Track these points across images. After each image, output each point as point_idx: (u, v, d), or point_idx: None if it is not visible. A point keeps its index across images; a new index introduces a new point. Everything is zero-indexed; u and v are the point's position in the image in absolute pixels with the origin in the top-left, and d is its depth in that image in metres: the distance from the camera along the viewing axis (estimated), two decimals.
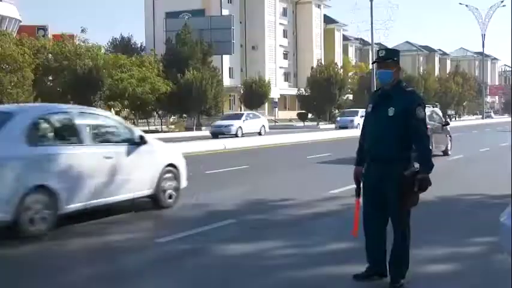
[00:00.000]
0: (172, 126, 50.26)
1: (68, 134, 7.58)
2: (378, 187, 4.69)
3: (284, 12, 79.85)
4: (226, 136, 32.40)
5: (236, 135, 33.14)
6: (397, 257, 4.79)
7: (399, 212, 4.67)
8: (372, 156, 4.74)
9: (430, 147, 4.63)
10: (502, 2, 76.76)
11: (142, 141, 8.37)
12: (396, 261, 4.80)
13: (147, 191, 8.47)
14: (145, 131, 43.06)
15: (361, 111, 35.93)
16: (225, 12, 66.77)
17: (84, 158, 7.44)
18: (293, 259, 5.86)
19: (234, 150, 21.87)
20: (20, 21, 53.83)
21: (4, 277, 5.41)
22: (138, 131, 8.71)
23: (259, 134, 35.07)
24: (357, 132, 25.09)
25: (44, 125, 7.35)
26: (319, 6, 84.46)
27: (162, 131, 44.72)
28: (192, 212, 8.54)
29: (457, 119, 77.01)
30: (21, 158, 6.73)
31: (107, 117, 8.68)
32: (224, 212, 8.36)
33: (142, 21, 73.85)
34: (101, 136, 8.13)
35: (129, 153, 8.13)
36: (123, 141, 8.22)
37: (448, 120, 23.07)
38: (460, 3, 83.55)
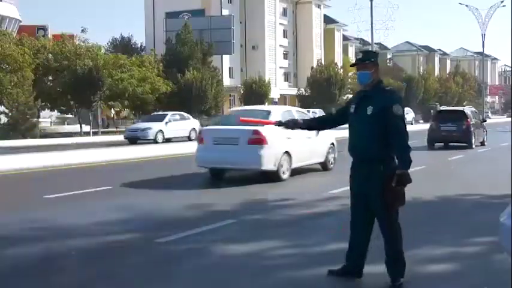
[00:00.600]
0: None
1: None
2: (363, 188, 4.76)
3: (284, 12, 79.82)
4: (144, 142, 27.76)
5: (155, 141, 28.13)
6: (392, 257, 4.86)
7: (385, 212, 4.74)
8: (355, 156, 4.81)
9: (409, 143, 4.69)
10: (502, 2, 76.75)
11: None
12: (392, 262, 4.86)
13: (321, 159, 13.58)
14: None
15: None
16: (225, 12, 66.75)
17: (300, 137, 12.13)
18: (293, 259, 5.86)
19: None
20: (20, 21, 53.85)
21: (5, 277, 5.41)
22: None
23: (189, 139, 29.46)
24: None
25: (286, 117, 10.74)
26: (319, 6, 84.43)
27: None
28: (192, 212, 8.54)
29: None
30: (276, 138, 11.64)
31: (303, 113, 13.95)
32: (224, 212, 8.37)
33: (143, 21, 73.85)
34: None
35: (315, 135, 12.82)
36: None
37: (485, 118, 29.37)
38: (460, 3, 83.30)
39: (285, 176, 11.87)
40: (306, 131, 10.12)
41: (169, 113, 31.83)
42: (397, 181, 4.57)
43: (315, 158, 13.29)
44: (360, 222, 4.95)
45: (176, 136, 29.52)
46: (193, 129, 30.98)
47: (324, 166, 13.58)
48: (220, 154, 11.68)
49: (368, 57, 4.88)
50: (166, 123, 29.75)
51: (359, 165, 4.77)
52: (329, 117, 5.50)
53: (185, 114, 33.29)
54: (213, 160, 11.94)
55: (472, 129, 21.49)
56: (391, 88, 4.98)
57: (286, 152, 11.85)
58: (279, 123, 5.42)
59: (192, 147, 19.40)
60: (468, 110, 24.49)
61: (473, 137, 21.45)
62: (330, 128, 5.50)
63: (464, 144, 21.34)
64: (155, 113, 35.13)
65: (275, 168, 11.62)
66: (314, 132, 12.22)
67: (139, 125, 31.21)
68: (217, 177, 12.40)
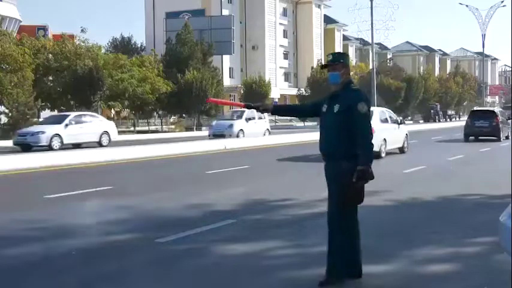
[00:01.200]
0: (173, 126, 50.26)
1: (386, 118, 18.43)
2: (329, 184, 4.93)
3: (284, 12, 79.84)
4: (38, 149, 22.60)
5: (50, 148, 23.05)
6: (340, 253, 4.83)
7: (343, 208, 4.78)
8: (324, 154, 4.95)
9: (372, 142, 4.87)
10: (502, 2, 76.77)
11: (401, 122, 19.39)
12: (340, 260, 4.84)
13: (400, 145, 19.18)
14: (146, 131, 43.13)
15: None
16: (225, 12, 66.77)
17: (390, 128, 18.13)
18: (293, 259, 5.86)
19: (235, 151, 21.88)
20: (20, 21, 53.84)
21: (5, 277, 5.41)
22: (399, 118, 20.12)
23: (100, 144, 24.91)
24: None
25: (382, 115, 18.24)
26: (319, 6, 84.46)
27: (162, 131, 44.74)
28: (192, 212, 8.54)
29: (457, 119, 76.95)
30: (379, 128, 15.87)
31: (391, 113, 19.54)
32: (224, 212, 8.36)
33: (143, 21, 73.90)
34: (391, 119, 18.76)
35: (398, 127, 18.86)
36: (396, 122, 18.95)
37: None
38: (460, 3, 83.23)
39: (383, 154, 17.28)
40: (392, 124, 18.57)
41: (73, 114, 26.74)
42: (358, 177, 4.66)
43: (398, 143, 19.05)
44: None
45: (80, 142, 24.43)
46: (106, 132, 25.64)
47: (401, 150, 19.31)
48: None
49: (338, 59, 5.01)
50: (66, 125, 24.34)
51: (327, 163, 4.92)
52: (300, 107, 6.18)
53: (96, 114, 28.76)
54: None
55: (500, 125, 26.31)
56: (358, 87, 5.15)
57: (384, 139, 17.22)
58: (248, 106, 5.57)
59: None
60: (497, 109, 30.08)
61: (501, 132, 26.28)
62: (296, 116, 5.80)
63: (494, 137, 25.94)
64: (58, 113, 30.61)
65: (378, 150, 16.43)
66: (397, 125, 18.92)
67: (31, 128, 25.54)
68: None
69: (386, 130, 17.41)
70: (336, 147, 4.79)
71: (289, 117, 67.64)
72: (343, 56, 5.11)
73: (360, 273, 4.97)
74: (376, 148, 14.73)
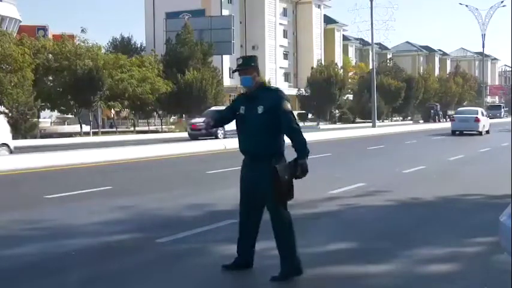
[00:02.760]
0: (173, 127, 50.25)
1: (483, 113, 34.31)
2: (254, 186, 4.97)
3: (284, 12, 79.85)
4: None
5: None
6: (284, 254, 5.06)
7: (276, 206, 5.01)
8: (249, 154, 5.03)
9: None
10: (502, 2, 76.80)
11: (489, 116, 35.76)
12: (284, 256, 5.06)
13: (487, 129, 32.98)
14: (145, 131, 43.15)
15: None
16: (225, 12, 66.78)
17: (484, 119, 33.65)
18: None
19: (235, 151, 21.87)
20: (20, 21, 53.83)
21: (5, 277, 5.41)
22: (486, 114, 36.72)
23: None
24: (354, 133, 25.08)
25: (481, 112, 33.95)
26: (319, 7, 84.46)
27: (162, 131, 44.74)
28: (192, 212, 8.54)
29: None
30: (482, 119, 32.84)
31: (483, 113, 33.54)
32: (224, 212, 8.36)
33: (143, 21, 73.90)
34: (483, 114, 33.82)
35: (487, 119, 34.45)
36: (486, 116, 33.72)
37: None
38: (460, 4, 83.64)
39: (483, 133, 30.09)
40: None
41: None
42: (302, 170, 4.94)
43: (486, 128, 32.23)
44: (250, 221, 5.19)
45: None
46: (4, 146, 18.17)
47: (487, 132, 32.52)
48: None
49: (249, 63, 5.13)
50: None
51: (251, 164, 5.00)
52: (224, 116, 5.50)
53: None
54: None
55: (480, 122, 32.28)
56: (276, 87, 5.32)
57: (483, 125, 31.12)
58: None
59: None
60: (479, 109, 35.51)
61: (481, 128, 32.32)
62: (222, 125, 5.70)
63: (476, 132, 31.83)
64: None
65: (481, 130, 30.77)
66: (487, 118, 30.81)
67: None
68: None
69: (484, 120, 32.42)
70: (265, 147, 4.90)
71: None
72: (253, 59, 5.21)
73: (302, 270, 5.11)
74: (480, 129, 31.49)
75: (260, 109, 4.89)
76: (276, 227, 5.09)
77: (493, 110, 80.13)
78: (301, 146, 4.94)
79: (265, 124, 4.87)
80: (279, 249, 5.10)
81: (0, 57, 33.70)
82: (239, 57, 5.38)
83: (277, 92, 5.10)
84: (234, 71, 5.41)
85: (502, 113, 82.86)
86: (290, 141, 4.98)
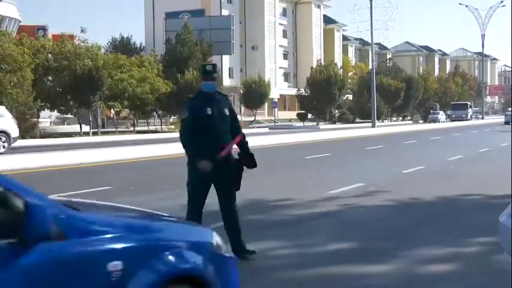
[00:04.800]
0: (172, 127, 50.23)
1: None
2: (217, 177, 5.66)
3: (284, 13, 79.84)
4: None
5: None
6: (238, 232, 5.83)
7: (234, 196, 5.83)
8: (217, 150, 5.60)
9: None
10: (501, 2, 76.81)
11: None
12: (239, 236, 5.80)
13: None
14: (145, 131, 43.20)
15: None
16: (225, 12, 66.76)
17: None
18: (293, 259, 5.86)
19: (234, 151, 21.87)
20: (20, 21, 53.80)
21: None
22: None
23: None
24: (354, 133, 25.05)
25: None
26: (319, 7, 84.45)
27: (162, 131, 44.72)
28: None
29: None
30: None
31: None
32: None
33: (142, 21, 73.91)
34: None
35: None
36: None
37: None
38: (460, 4, 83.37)
39: None
40: None
41: None
42: (254, 160, 5.86)
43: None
44: (200, 207, 6.00)
45: None
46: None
47: None
48: None
49: (216, 70, 5.96)
50: None
51: (215, 158, 5.59)
52: (201, 129, 5.75)
53: None
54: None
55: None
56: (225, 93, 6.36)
57: None
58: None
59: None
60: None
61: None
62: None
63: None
64: None
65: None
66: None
67: None
68: None
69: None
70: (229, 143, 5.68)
71: (288, 117, 67.75)
72: (216, 67, 6.11)
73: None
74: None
75: (226, 111, 5.67)
76: (230, 213, 5.88)
77: (457, 110, 67.44)
78: (245, 141, 5.87)
79: (229, 123, 5.72)
80: (233, 233, 5.77)
81: (0, 57, 33.69)
82: (208, 64, 6.12)
83: (226, 96, 6.08)
84: (204, 77, 5.91)
85: (469, 114, 67.88)
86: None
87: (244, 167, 5.83)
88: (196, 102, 5.83)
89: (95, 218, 2.75)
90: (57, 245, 2.41)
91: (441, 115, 64.73)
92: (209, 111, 5.61)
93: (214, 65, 6.12)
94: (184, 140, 5.79)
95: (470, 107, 70.82)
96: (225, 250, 3.33)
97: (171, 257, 2.83)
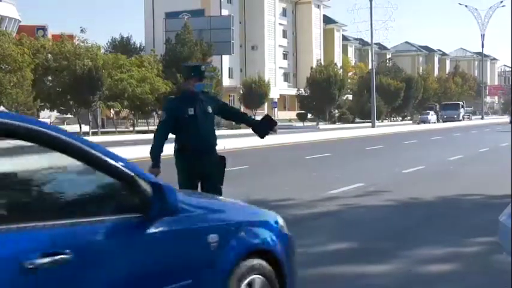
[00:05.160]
0: None
1: None
2: (203, 172, 5.71)
3: (284, 13, 79.83)
4: None
5: None
6: None
7: (220, 189, 5.79)
8: (202, 148, 5.71)
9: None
10: (501, 2, 76.86)
11: None
12: None
13: None
14: (145, 131, 43.23)
15: None
16: (225, 12, 66.76)
17: None
18: None
19: (234, 151, 21.85)
20: (20, 21, 53.82)
21: None
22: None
23: None
24: (354, 133, 24.99)
25: None
26: (318, 7, 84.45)
27: None
28: None
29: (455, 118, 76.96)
30: None
31: None
32: None
33: (142, 21, 73.90)
34: None
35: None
36: None
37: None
38: (460, 4, 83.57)
39: None
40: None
41: None
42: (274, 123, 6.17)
43: None
44: None
45: None
46: None
47: None
48: None
49: (205, 71, 6.18)
50: None
51: (200, 156, 5.68)
52: (166, 134, 5.86)
53: None
54: None
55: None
56: (207, 91, 6.64)
57: None
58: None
59: None
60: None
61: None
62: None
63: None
64: None
65: None
66: None
67: None
68: None
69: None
70: (215, 139, 5.84)
71: (288, 117, 67.73)
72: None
73: None
74: None
75: (210, 109, 5.74)
76: None
77: (448, 110, 65.24)
78: (253, 119, 6.17)
79: (213, 122, 5.90)
80: None
81: (0, 57, 33.70)
82: (199, 64, 6.51)
83: (213, 95, 6.56)
84: (197, 78, 5.91)
85: (461, 114, 65.25)
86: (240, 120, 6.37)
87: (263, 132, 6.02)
88: (177, 103, 5.94)
89: (194, 199, 3.39)
90: (173, 219, 2.92)
91: (431, 115, 63.14)
92: (191, 111, 5.68)
93: (204, 65, 6.50)
94: (155, 142, 5.65)
95: (462, 106, 68.25)
96: (287, 229, 3.75)
97: (249, 233, 3.38)
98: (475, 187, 10.89)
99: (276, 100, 66.31)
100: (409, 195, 9.84)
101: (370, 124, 49.05)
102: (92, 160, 2.75)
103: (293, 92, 68.08)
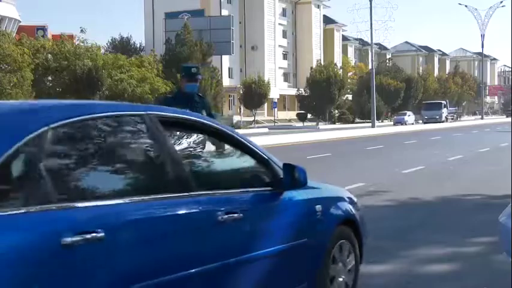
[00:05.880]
0: None
1: None
2: None
3: (283, 13, 79.84)
4: None
5: None
6: None
7: None
8: None
9: None
10: (501, 2, 76.88)
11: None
12: None
13: None
14: None
15: None
16: (225, 12, 66.76)
17: None
18: None
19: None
20: (19, 21, 53.82)
21: None
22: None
23: None
24: (354, 133, 24.99)
25: None
26: (318, 7, 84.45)
27: None
28: None
29: (455, 118, 76.98)
30: None
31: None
32: None
33: (142, 21, 73.87)
34: None
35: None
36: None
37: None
38: (460, 4, 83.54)
39: None
40: None
41: None
42: None
43: None
44: None
45: None
46: None
47: None
48: None
49: (200, 73, 6.30)
50: None
51: None
52: None
53: None
54: None
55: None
56: (200, 93, 6.60)
57: None
58: None
59: None
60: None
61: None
62: None
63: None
64: None
65: None
66: None
67: None
68: None
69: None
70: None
71: (288, 118, 67.73)
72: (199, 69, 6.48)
73: None
74: None
75: (203, 113, 5.88)
76: None
77: (429, 111, 60.34)
78: None
79: None
80: None
81: (0, 57, 33.70)
82: (194, 66, 6.57)
83: (203, 97, 6.47)
84: (188, 79, 6.22)
85: (443, 115, 60.01)
86: None
87: None
88: (174, 102, 5.95)
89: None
90: (296, 192, 3.82)
91: (408, 116, 59.32)
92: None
93: (197, 67, 6.46)
94: None
95: (445, 106, 62.41)
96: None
97: (340, 206, 4.31)
98: (475, 187, 10.89)
99: (276, 100, 66.31)
100: (409, 195, 9.84)
101: (370, 124, 49.06)
102: (242, 147, 3.71)
103: (293, 92, 68.09)
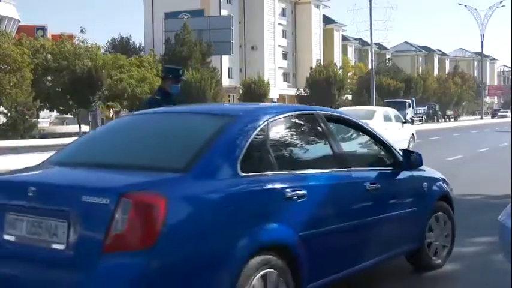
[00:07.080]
0: None
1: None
2: None
3: (283, 13, 79.83)
4: None
5: None
6: None
7: None
8: None
9: None
10: (501, 2, 76.90)
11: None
12: None
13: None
14: None
15: None
16: (224, 12, 66.75)
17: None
18: None
19: None
20: (19, 21, 53.84)
21: None
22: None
23: None
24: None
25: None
26: (318, 7, 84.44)
27: None
28: None
29: (453, 119, 77.02)
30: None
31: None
32: None
33: (141, 21, 73.82)
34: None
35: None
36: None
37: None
38: (459, 4, 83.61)
39: None
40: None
41: None
42: None
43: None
44: None
45: None
46: None
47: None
48: None
49: (183, 74, 6.61)
50: None
51: None
52: None
53: None
54: None
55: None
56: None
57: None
58: None
59: None
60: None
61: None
62: None
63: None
64: None
65: None
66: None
67: None
68: None
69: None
70: None
71: None
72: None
73: None
74: None
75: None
76: None
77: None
78: None
79: None
80: None
81: None
82: (180, 67, 6.66)
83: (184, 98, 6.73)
84: (176, 80, 6.51)
85: (408, 116, 42.59)
86: None
87: None
88: (162, 102, 6.03)
89: None
90: (412, 172, 5.17)
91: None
92: None
93: (182, 69, 6.77)
94: None
95: (410, 106, 52.76)
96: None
97: (438, 184, 5.65)
98: (475, 187, 10.88)
99: (276, 100, 66.25)
100: None
101: None
102: (373, 136, 4.90)
103: (293, 92, 68.06)
